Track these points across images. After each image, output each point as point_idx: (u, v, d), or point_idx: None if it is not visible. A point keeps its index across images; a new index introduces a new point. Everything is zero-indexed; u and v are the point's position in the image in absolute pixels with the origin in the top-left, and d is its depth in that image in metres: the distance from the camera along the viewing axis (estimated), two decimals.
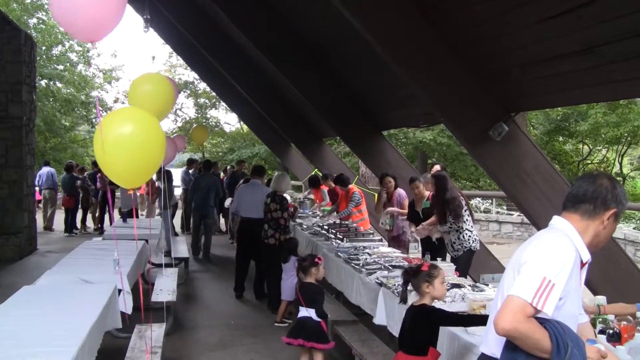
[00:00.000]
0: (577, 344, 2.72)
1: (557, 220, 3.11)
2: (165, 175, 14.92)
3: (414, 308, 4.69)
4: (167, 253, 12.47)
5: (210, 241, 14.46)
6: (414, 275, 4.81)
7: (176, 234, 16.33)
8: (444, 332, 4.77)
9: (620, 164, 30.62)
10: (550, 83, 6.61)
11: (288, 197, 10.66)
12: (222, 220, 19.42)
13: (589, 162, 32.11)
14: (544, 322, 2.75)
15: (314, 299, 6.49)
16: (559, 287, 2.74)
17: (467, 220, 8.19)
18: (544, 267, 2.78)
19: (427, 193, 9.13)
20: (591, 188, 3.06)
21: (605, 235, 3.07)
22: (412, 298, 5.01)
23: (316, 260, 6.67)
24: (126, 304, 6.58)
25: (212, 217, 14.77)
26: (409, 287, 5.08)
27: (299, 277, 6.94)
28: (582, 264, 3.01)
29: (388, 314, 6.12)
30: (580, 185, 3.13)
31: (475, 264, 8.63)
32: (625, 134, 27.01)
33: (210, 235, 14.51)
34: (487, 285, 6.21)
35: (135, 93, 5.60)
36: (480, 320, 4.42)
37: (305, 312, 6.44)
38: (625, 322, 3.87)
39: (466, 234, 8.13)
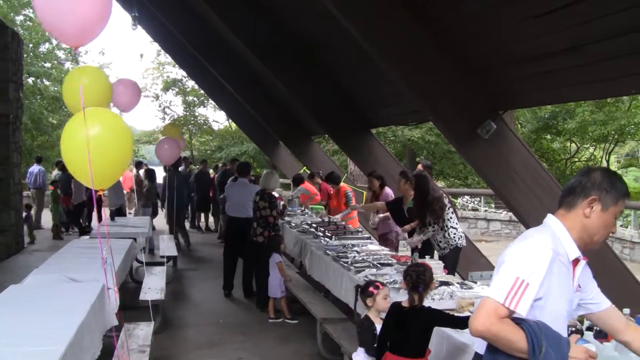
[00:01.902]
0: (555, 344, 2.67)
1: (547, 218, 3.06)
2: (147, 173, 15.01)
3: (404, 309, 4.55)
4: (150, 251, 12.47)
5: (186, 234, 15.54)
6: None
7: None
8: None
9: (608, 161, 30.72)
10: (538, 81, 6.64)
11: (275, 194, 10.63)
12: (210, 219, 19.39)
13: (577, 160, 32.23)
14: (520, 322, 2.71)
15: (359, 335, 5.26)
16: (534, 286, 2.70)
17: (451, 218, 8.18)
18: (517, 267, 2.75)
19: (412, 192, 9.12)
20: (576, 179, 3.00)
21: (595, 228, 2.93)
22: (401, 297, 5.01)
23: (370, 289, 5.08)
24: (112, 302, 6.56)
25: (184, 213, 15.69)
26: (397, 286, 5.06)
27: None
28: (575, 262, 2.94)
29: None
30: (571, 179, 3.05)
31: (464, 262, 8.64)
32: (612, 132, 27.12)
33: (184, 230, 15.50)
34: (476, 282, 6.22)
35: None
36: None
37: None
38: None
39: (451, 231, 8.12)
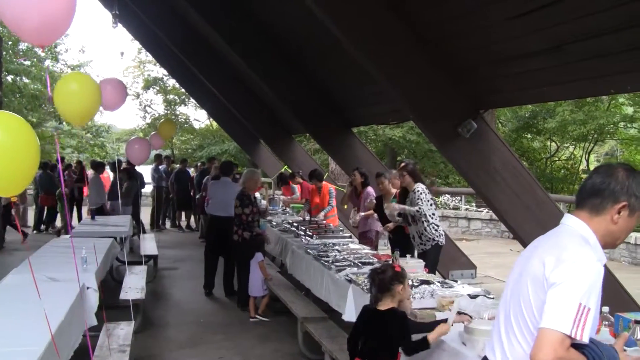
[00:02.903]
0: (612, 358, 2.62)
1: (570, 219, 2.84)
2: (126, 172, 14.93)
3: (377, 312, 4.42)
4: (131, 250, 12.42)
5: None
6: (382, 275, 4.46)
7: (144, 231, 16.31)
8: None
9: (587, 160, 30.94)
10: (519, 81, 6.68)
11: (257, 195, 10.61)
12: (192, 218, 19.36)
13: (557, 159, 32.40)
14: (580, 346, 2.59)
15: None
16: (594, 309, 2.55)
17: (434, 214, 8.21)
18: (576, 291, 2.54)
19: (393, 190, 9.15)
20: (599, 179, 2.77)
21: (619, 233, 2.78)
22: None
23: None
24: (92, 301, 6.52)
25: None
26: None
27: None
28: None
29: (357, 311, 6.11)
30: (590, 177, 2.84)
31: (445, 261, 8.68)
32: (592, 132, 27.28)
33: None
34: (456, 281, 6.23)
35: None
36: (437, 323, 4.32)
37: None
38: (606, 322, 3.90)
39: (433, 227, 8.13)
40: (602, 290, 2.60)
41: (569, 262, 2.61)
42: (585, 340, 2.52)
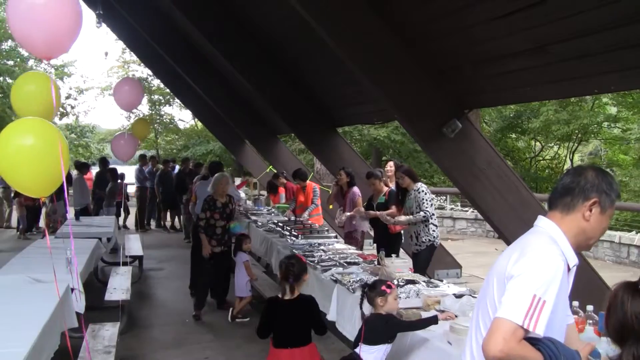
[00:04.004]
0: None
1: (541, 221, 2.86)
2: (110, 172, 14.85)
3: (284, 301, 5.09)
4: (113, 251, 12.36)
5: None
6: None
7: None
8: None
9: (572, 160, 31.08)
10: (502, 81, 6.71)
11: (242, 194, 10.57)
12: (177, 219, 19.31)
13: (541, 158, 32.59)
14: (536, 342, 2.57)
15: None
16: (550, 303, 2.54)
17: (434, 214, 8.27)
18: (532, 283, 2.55)
19: (385, 188, 9.22)
20: (569, 179, 2.81)
21: (592, 231, 2.79)
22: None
23: (383, 288, 4.68)
24: (79, 303, 6.48)
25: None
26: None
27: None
28: (569, 268, 2.76)
29: (339, 311, 6.13)
30: (562, 178, 2.88)
31: (432, 260, 8.70)
32: (576, 131, 27.45)
33: None
34: (442, 281, 6.25)
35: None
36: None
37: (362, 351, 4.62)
38: (575, 316, 3.92)
39: (431, 227, 8.18)
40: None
41: (529, 255, 2.64)
42: (540, 333, 2.52)
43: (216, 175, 9.47)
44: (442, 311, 4.67)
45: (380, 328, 4.54)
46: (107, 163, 17.20)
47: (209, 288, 9.28)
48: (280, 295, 5.19)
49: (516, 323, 2.50)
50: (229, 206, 9.13)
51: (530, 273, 2.59)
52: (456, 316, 4.56)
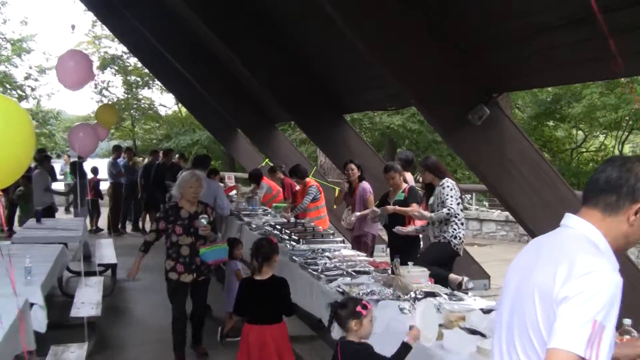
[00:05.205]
0: None
1: (575, 222, 2.79)
2: (77, 168, 14.72)
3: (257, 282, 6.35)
4: (86, 258, 12.29)
5: None
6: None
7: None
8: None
9: (621, 152, 30.80)
10: (537, 60, 6.67)
11: (230, 202, 10.42)
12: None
13: (584, 150, 32.41)
14: None
15: None
16: (610, 329, 2.48)
17: (458, 214, 8.13)
18: (592, 307, 2.47)
19: (404, 185, 9.18)
20: (615, 174, 2.69)
21: (634, 235, 2.74)
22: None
23: (358, 309, 4.67)
24: (39, 320, 6.45)
25: None
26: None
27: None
28: None
29: None
30: (603, 169, 2.76)
31: (453, 268, 8.65)
32: (627, 118, 27.16)
33: None
34: (467, 293, 6.21)
35: None
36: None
37: None
38: (627, 337, 3.87)
39: (454, 225, 8.01)
40: (621, 301, 2.56)
41: (582, 273, 2.55)
42: None
43: (184, 173, 8.30)
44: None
45: None
46: (47, 158, 16.68)
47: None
48: (252, 275, 6.45)
49: (577, 354, 2.45)
50: (199, 219, 7.70)
51: (588, 295, 2.51)
52: (484, 335, 4.51)
